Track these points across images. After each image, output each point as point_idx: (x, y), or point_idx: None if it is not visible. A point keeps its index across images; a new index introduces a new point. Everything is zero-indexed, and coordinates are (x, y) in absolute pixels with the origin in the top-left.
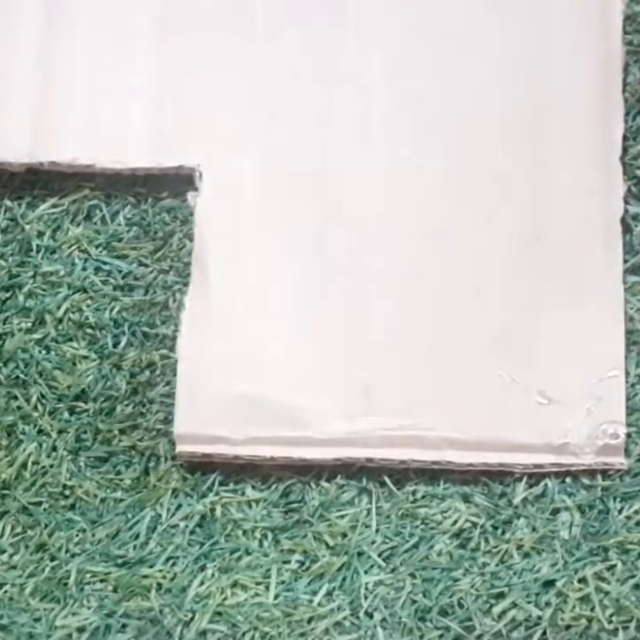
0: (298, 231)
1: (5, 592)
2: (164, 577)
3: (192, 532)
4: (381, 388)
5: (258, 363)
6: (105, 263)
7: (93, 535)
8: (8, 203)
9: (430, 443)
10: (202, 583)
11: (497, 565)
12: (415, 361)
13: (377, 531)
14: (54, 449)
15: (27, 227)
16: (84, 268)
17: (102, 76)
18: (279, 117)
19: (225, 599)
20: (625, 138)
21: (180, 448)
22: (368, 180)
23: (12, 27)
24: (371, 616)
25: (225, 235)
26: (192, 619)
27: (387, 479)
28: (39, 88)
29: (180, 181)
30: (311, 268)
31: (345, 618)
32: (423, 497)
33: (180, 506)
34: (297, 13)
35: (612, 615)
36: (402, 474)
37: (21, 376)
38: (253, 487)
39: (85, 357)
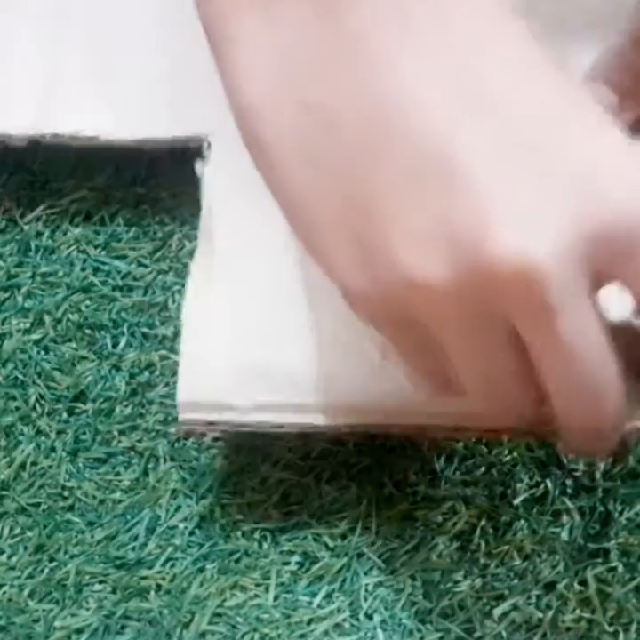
0: None
1: (4, 593)
2: (163, 578)
3: (191, 534)
4: (395, 354)
5: (264, 329)
6: (104, 263)
7: (92, 536)
8: (6, 203)
9: (448, 410)
10: (201, 584)
11: (497, 567)
12: None
13: (377, 533)
14: (53, 450)
15: (25, 227)
16: (83, 269)
17: (107, 48)
18: None
19: (224, 600)
20: None
21: (182, 416)
22: None
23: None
24: (370, 617)
25: (231, 203)
26: (191, 620)
27: (387, 481)
28: (45, 62)
29: (181, 176)
30: None
31: (345, 619)
32: (423, 499)
33: (179, 507)
34: None
35: (612, 617)
36: (402, 476)
37: (20, 376)
38: (253, 489)
39: (84, 358)
